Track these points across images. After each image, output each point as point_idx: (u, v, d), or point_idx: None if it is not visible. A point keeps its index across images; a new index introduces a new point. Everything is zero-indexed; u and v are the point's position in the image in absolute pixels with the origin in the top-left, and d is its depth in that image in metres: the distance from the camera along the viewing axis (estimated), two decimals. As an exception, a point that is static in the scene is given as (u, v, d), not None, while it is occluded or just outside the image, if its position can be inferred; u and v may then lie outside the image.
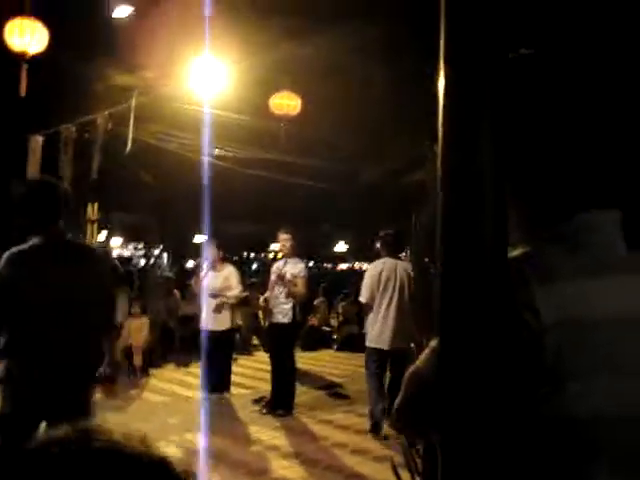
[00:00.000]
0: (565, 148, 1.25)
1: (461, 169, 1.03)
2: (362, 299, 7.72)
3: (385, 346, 7.42)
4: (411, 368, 1.37)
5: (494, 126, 1.02)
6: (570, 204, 1.26)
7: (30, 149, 9.03)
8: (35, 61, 7.47)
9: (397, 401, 1.41)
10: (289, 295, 8.44)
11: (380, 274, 7.54)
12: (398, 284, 7.47)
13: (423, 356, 1.33)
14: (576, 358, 1.13)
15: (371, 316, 7.60)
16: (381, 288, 7.50)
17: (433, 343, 1.26)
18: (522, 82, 1.26)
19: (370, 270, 7.81)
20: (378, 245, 8.01)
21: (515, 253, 1.24)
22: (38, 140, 9.08)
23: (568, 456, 1.14)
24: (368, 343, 7.66)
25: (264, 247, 33.24)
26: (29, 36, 7.24)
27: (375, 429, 7.42)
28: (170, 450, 6.82)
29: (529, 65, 1.29)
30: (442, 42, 1.05)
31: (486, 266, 1.00)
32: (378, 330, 7.48)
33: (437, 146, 0.98)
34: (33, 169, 9.00)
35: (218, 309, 9.11)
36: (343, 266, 36.39)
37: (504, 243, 1.04)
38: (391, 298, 7.47)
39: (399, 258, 7.83)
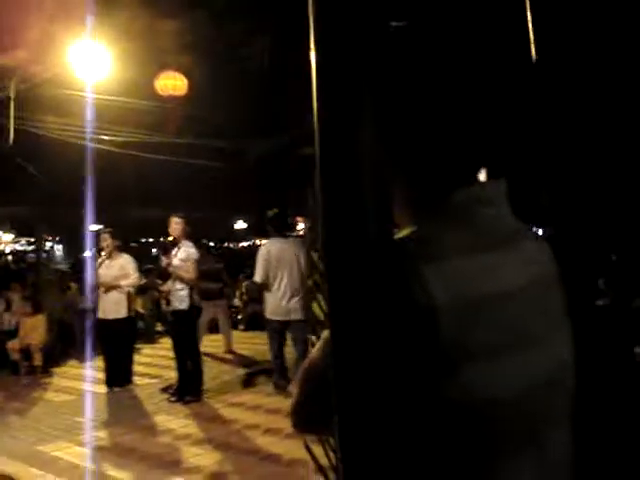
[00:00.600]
0: (441, 120, 1.22)
1: (339, 148, 0.98)
2: (257, 279, 8.18)
3: (281, 318, 8.04)
4: (304, 363, 1.32)
5: (370, 103, 0.98)
6: (454, 177, 1.23)
7: None
8: None
9: (293, 400, 1.36)
10: (180, 281, 8.34)
11: (269, 254, 8.08)
12: (288, 262, 8.06)
13: (315, 348, 1.28)
14: (471, 338, 1.10)
15: (268, 293, 8.16)
16: (273, 267, 8.05)
17: (324, 333, 1.21)
18: (395, 55, 1.22)
19: (261, 251, 8.27)
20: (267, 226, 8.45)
21: (402, 233, 1.20)
22: None
23: (471, 441, 1.12)
24: (268, 315, 8.25)
25: (162, 231, 32.68)
26: None
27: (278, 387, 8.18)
28: (77, 450, 6.66)
29: (401, 38, 1.25)
30: (311, 16, 1.01)
31: (371, 249, 0.96)
32: (275, 305, 8.08)
33: None
34: None
35: (112, 293, 8.92)
36: (244, 244, 36.23)
37: (388, 223, 1.00)
38: (282, 275, 8.04)
39: (287, 236, 8.42)
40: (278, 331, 8.20)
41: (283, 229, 8.39)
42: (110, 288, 8.93)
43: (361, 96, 0.97)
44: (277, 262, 8.07)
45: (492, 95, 1.26)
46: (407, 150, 1.23)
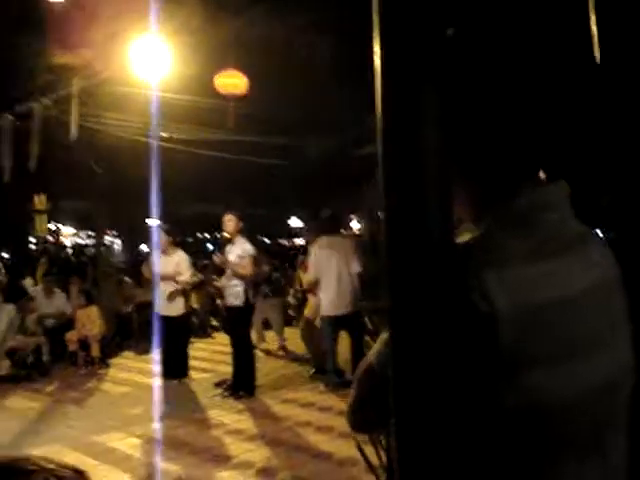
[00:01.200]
0: (503, 122, 1.21)
1: (402, 152, 0.98)
2: (310, 276, 8.72)
3: (334, 313, 8.40)
4: (362, 363, 1.32)
5: (435, 105, 0.98)
6: (516, 178, 1.21)
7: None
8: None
9: (350, 400, 1.36)
10: (236, 277, 8.40)
11: (321, 252, 8.53)
12: (339, 260, 8.46)
13: (374, 349, 1.28)
14: (531, 344, 1.09)
15: (322, 289, 8.54)
16: (325, 265, 8.45)
17: (384, 335, 1.21)
18: (456, 60, 1.21)
19: (313, 250, 8.72)
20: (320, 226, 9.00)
21: (464, 238, 1.19)
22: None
23: (532, 446, 1.11)
24: (322, 312, 8.62)
25: (218, 227, 33.05)
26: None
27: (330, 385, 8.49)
28: (134, 442, 6.77)
29: (461, 42, 1.24)
30: (375, 19, 1.01)
31: (433, 253, 0.97)
32: (329, 301, 8.45)
33: None
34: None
35: (171, 297, 9.05)
36: (300, 241, 36.32)
37: (450, 228, 1.00)
38: (334, 272, 8.43)
39: (338, 235, 9.08)
40: (332, 327, 8.47)
41: (333, 230, 8.89)
42: (167, 284, 9.05)
43: (425, 96, 0.97)
44: (328, 260, 8.43)
45: (554, 97, 1.24)
46: (469, 151, 1.22)
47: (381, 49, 0.99)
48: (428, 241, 0.96)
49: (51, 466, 0.82)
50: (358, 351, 8.18)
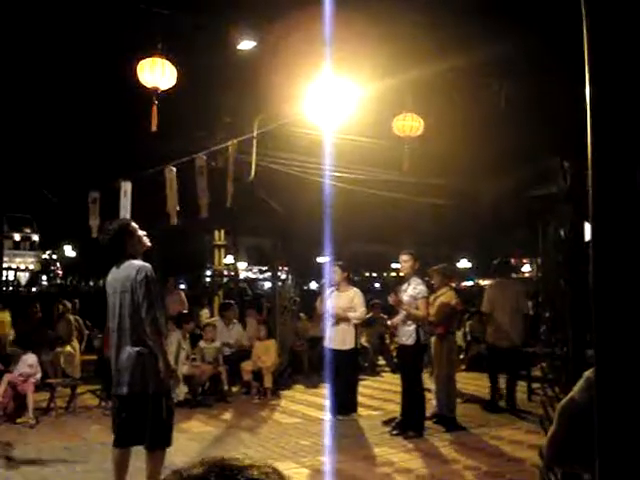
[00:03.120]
0: None
1: (615, 192, 1.01)
2: (484, 309, 10.44)
3: (500, 344, 9.96)
4: (564, 400, 1.34)
5: None
6: None
7: (166, 180, 9.43)
8: (165, 97, 7.83)
9: (549, 434, 1.38)
10: (409, 318, 8.43)
11: (495, 290, 10.32)
12: (508, 298, 10.01)
13: (577, 387, 1.31)
14: None
15: (490, 323, 10.21)
16: (497, 301, 10.06)
17: (588, 373, 1.23)
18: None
19: (488, 288, 10.80)
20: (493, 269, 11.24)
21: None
22: (172, 171, 9.47)
23: None
24: (487, 339, 10.51)
25: (386, 266, 33.23)
26: (160, 73, 7.61)
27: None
28: (303, 472, 6.91)
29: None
30: (587, 61, 1.03)
31: None
32: (494, 332, 10.10)
33: (567, 163, 0.97)
34: (172, 198, 9.38)
35: (340, 325, 9.20)
36: (467, 283, 35.79)
37: None
38: (503, 308, 9.94)
39: (507, 278, 10.87)
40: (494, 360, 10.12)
41: (504, 274, 10.79)
42: (340, 320, 9.24)
43: (637, 138, 0.99)
44: (500, 296, 10.07)
45: None
46: None
47: (592, 90, 1.02)
48: (637, 283, 0.98)
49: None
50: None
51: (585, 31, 1.04)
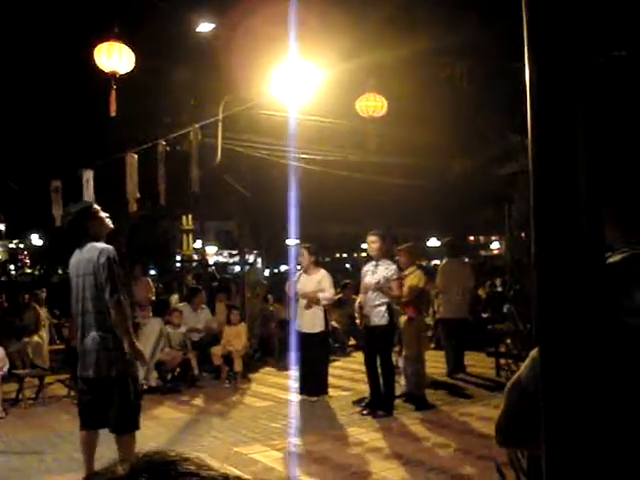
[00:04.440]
0: None
1: (553, 170, 1.01)
2: (436, 288, 11.57)
3: (451, 315, 11.06)
4: (512, 379, 1.35)
5: (585, 124, 0.99)
6: None
7: (127, 166, 9.32)
8: (123, 81, 7.72)
9: (499, 414, 1.39)
10: (388, 298, 8.46)
11: (444, 270, 11.38)
12: (455, 277, 11.12)
13: (523, 366, 1.31)
14: None
15: (443, 299, 11.41)
16: (447, 279, 11.08)
17: (533, 352, 1.24)
18: (614, 85, 1.23)
19: (440, 268, 11.79)
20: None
21: (614, 259, 1.21)
22: (134, 157, 9.36)
23: None
24: (441, 315, 11.68)
25: (356, 247, 33.29)
26: (117, 57, 7.50)
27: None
28: (275, 455, 6.94)
29: (622, 68, 1.26)
30: (525, 41, 1.03)
31: (584, 272, 0.98)
32: (443, 308, 11.37)
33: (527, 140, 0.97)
34: (132, 185, 9.28)
35: (309, 308, 9.20)
36: (437, 262, 35.89)
37: (601, 248, 1.01)
38: (452, 286, 11.02)
39: (456, 257, 11.89)
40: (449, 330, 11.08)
41: (454, 254, 11.81)
42: (309, 302, 9.24)
43: (576, 117, 0.99)
44: (450, 274, 11.16)
45: None
46: (620, 175, 1.24)
47: (532, 69, 1.02)
48: (579, 260, 0.98)
49: (208, 473, 0.85)
50: None
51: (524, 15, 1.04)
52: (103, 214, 5.52)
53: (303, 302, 9.31)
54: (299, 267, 9.85)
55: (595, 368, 0.95)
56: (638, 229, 1.25)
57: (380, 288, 8.44)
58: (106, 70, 7.52)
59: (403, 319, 9.04)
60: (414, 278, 9.05)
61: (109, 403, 5.23)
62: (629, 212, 1.27)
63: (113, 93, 7.49)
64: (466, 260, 15.42)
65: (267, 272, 23.08)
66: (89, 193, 9.62)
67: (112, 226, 5.59)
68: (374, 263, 8.68)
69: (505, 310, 8.34)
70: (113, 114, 7.49)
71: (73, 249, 5.49)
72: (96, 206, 5.58)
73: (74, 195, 9.33)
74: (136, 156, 9.41)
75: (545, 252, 1.00)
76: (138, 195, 9.30)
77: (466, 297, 11.39)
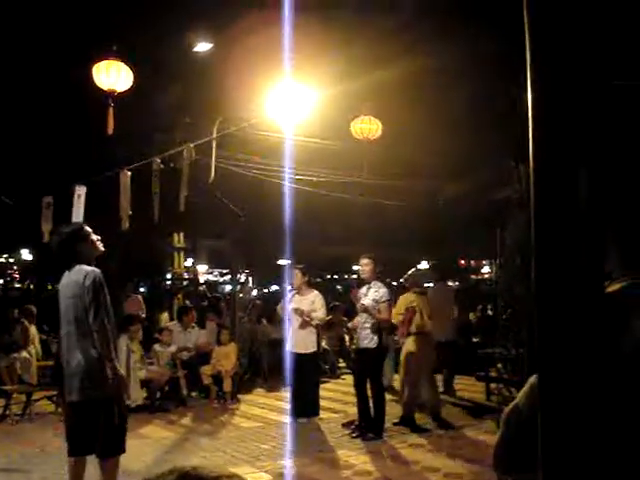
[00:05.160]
0: None
1: (554, 197, 1.01)
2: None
3: (442, 339, 10.24)
4: (509, 406, 1.35)
5: (588, 152, 0.99)
6: None
7: (121, 183, 9.30)
8: (121, 99, 7.73)
9: (497, 442, 1.39)
10: (375, 322, 8.44)
11: (431, 295, 10.31)
12: (444, 299, 11.00)
13: (521, 393, 1.31)
14: None
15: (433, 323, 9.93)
16: (435, 303, 9.97)
17: (532, 379, 1.23)
18: (616, 114, 1.24)
19: (430, 293, 10.39)
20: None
21: (613, 287, 1.22)
22: (127, 174, 9.35)
23: None
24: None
25: (348, 269, 33.27)
26: (115, 75, 7.53)
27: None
28: (263, 477, 6.88)
29: (624, 96, 1.27)
30: (528, 68, 1.03)
31: (583, 300, 0.98)
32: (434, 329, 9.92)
33: (522, 167, 0.98)
34: (125, 202, 9.26)
35: (303, 327, 9.18)
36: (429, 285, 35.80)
37: (600, 276, 1.01)
38: (442, 310, 10.49)
39: (443, 280, 11.89)
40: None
41: (441, 276, 11.67)
42: (303, 322, 9.22)
43: (579, 143, 0.99)
44: (441, 300, 10.72)
45: None
46: (622, 206, 1.24)
47: (534, 96, 1.02)
48: (579, 289, 0.98)
49: None
50: None
51: (527, 37, 1.04)
52: (94, 236, 5.45)
53: (297, 323, 9.29)
54: (290, 288, 9.83)
55: (593, 396, 0.95)
56: (637, 258, 1.26)
57: (366, 310, 8.44)
58: (104, 88, 7.54)
59: (410, 339, 9.05)
60: (406, 300, 9.12)
61: (95, 427, 5.16)
62: (629, 241, 1.27)
63: (111, 111, 7.49)
64: (450, 284, 15.63)
65: (255, 292, 23.00)
66: (79, 209, 9.55)
67: (102, 249, 5.52)
68: (367, 286, 8.69)
69: (498, 335, 8.34)
70: (110, 132, 7.49)
71: (61, 270, 5.44)
72: (87, 228, 5.49)
73: (66, 212, 9.29)
74: (129, 173, 9.41)
75: (545, 282, 1.00)
76: (130, 212, 9.28)
77: (451, 320, 11.43)
